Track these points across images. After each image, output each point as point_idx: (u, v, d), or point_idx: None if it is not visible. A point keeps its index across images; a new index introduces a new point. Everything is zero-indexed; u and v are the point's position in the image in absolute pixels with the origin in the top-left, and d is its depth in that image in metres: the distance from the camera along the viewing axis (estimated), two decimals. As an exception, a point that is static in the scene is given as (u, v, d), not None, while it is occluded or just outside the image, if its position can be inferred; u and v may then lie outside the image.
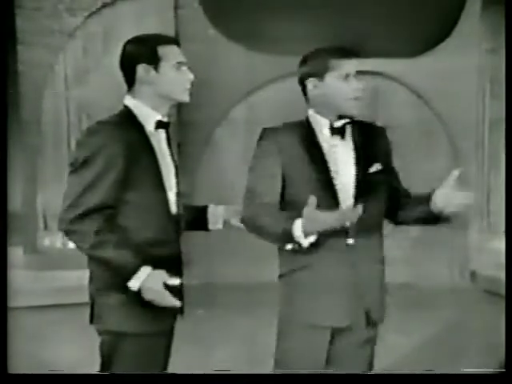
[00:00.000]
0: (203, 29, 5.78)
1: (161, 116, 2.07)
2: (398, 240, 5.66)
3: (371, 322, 2.12)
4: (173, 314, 2.09)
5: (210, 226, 2.29)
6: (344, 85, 2.08)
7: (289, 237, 1.93)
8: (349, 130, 2.14)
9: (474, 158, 6.00)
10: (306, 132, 2.11)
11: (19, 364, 2.42)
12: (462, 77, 5.82)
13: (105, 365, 2.04)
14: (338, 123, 2.11)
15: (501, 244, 4.59)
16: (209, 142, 5.94)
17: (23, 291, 4.77)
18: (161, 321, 2.02)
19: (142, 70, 2.02)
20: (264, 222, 2.02)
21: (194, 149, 5.81)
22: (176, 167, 2.12)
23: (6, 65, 2.62)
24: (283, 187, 2.07)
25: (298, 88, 2.17)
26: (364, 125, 2.18)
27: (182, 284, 2.09)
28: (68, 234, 1.93)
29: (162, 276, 1.92)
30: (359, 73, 2.12)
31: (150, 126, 2.04)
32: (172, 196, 2.07)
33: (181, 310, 2.13)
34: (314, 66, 2.10)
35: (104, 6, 5.58)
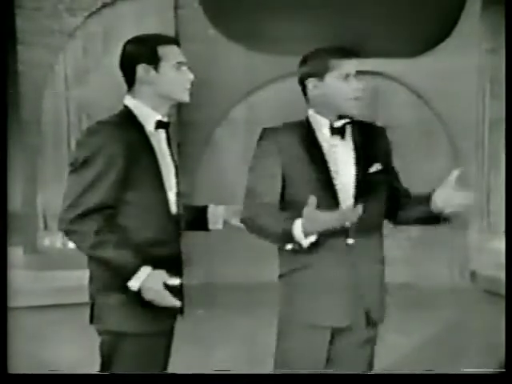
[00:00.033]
0: (203, 29, 5.78)
1: (161, 116, 2.07)
2: (397, 240, 5.67)
3: (371, 322, 2.12)
4: (173, 314, 2.09)
5: (210, 226, 2.29)
6: (344, 85, 2.08)
7: (289, 237, 1.93)
8: (349, 129, 2.14)
9: (474, 157, 6.00)
10: (306, 132, 2.11)
11: (19, 364, 2.42)
12: (462, 77, 5.82)
13: (105, 365, 2.04)
14: (338, 123, 2.11)
15: (501, 244, 4.59)
16: (209, 141, 5.94)
17: (23, 291, 4.77)
18: (161, 321, 2.02)
19: (141, 69, 2.02)
20: (264, 222, 2.02)
21: (194, 149, 5.81)
22: (176, 167, 2.12)
23: (6, 65, 2.62)
24: (283, 187, 2.07)
25: (298, 88, 2.17)
26: (364, 125, 2.18)
27: (181, 284, 2.09)
28: (68, 233, 1.93)
29: (161, 276, 1.92)
30: (359, 73, 2.12)
31: (149, 126, 2.04)
32: (172, 196, 2.07)
33: (181, 310, 2.13)
34: (314, 66, 2.10)
35: (104, 5, 5.58)
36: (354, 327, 2.08)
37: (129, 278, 1.90)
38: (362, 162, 2.11)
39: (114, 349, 1.99)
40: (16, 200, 5.48)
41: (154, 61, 2.02)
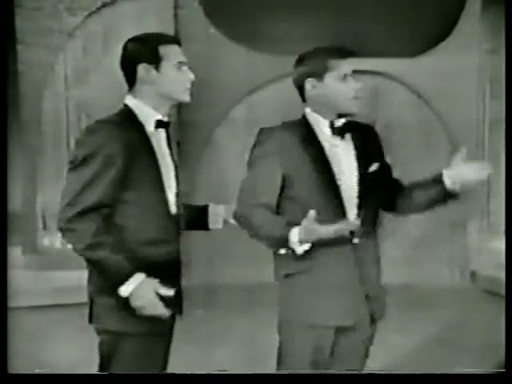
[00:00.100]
0: (203, 29, 5.78)
1: (161, 116, 2.06)
2: (398, 240, 5.68)
3: (374, 321, 2.13)
4: (172, 314, 2.09)
5: (211, 226, 2.29)
6: (343, 85, 2.08)
7: (284, 242, 1.94)
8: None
9: (474, 157, 5.99)
10: (306, 131, 2.10)
11: (19, 364, 2.43)
12: (462, 77, 5.83)
13: (104, 365, 2.03)
14: (339, 122, 2.11)
15: (501, 244, 4.59)
16: (209, 141, 5.94)
17: (23, 291, 4.78)
18: (160, 321, 2.01)
19: (142, 69, 2.02)
20: (257, 222, 2.02)
21: (194, 149, 5.81)
22: (176, 167, 2.12)
23: (6, 65, 2.62)
24: (283, 187, 2.07)
25: (298, 88, 2.17)
26: (358, 124, 2.18)
27: (180, 284, 2.09)
28: (65, 232, 1.92)
29: (154, 285, 1.91)
30: (359, 72, 2.12)
31: (150, 126, 2.04)
32: (171, 196, 2.06)
33: (180, 311, 2.13)
34: (312, 66, 2.10)
35: (104, 5, 5.58)
36: (358, 326, 2.09)
37: (121, 282, 1.89)
38: (363, 162, 2.12)
39: (113, 349, 1.99)
40: (16, 200, 5.48)
41: (155, 60, 2.01)
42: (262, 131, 2.11)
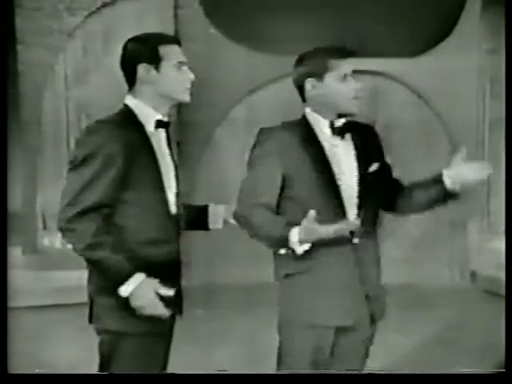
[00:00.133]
0: (203, 29, 5.78)
1: (161, 116, 2.06)
2: (398, 240, 5.68)
3: (374, 320, 2.13)
4: (172, 314, 2.09)
5: (211, 226, 2.29)
6: (343, 85, 2.08)
7: (284, 242, 1.95)
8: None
9: (474, 157, 5.99)
10: (306, 131, 2.10)
11: (19, 364, 2.43)
12: (462, 77, 5.83)
13: (104, 365, 2.03)
14: (339, 122, 2.11)
15: (501, 244, 4.59)
16: (209, 142, 5.94)
17: (23, 291, 4.78)
18: (160, 321, 2.01)
19: (142, 69, 2.02)
20: (258, 222, 2.02)
21: (194, 149, 5.81)
22: (176, 167, 2.12)
23: (6, 65, 2.62)
24: (283, 187, 2.07)
25: (298, 88, 2.17)
26: (358, 124, 2.18)
27: (180, 285, 2.09)
28: (65, 232, 1.91)
29: (154, 285, 1.91)
30: (359, 72, 2.12)
31: (150, 126, 2.04)
32: (171, 196, 2.06)
33: (180, 311, 2.13)
34: (312, 66, 2.10)
35: (104, 5, 5.58)
36: (358, 326, 2.09)
37: (121, 282, 1.89)
38: (363, 162, 2.12)
39: (113, 349, 1.99)
40: (16, 200, 5.48)
41: (155, 60, 2.01)
42: (261, 131, 2.11)
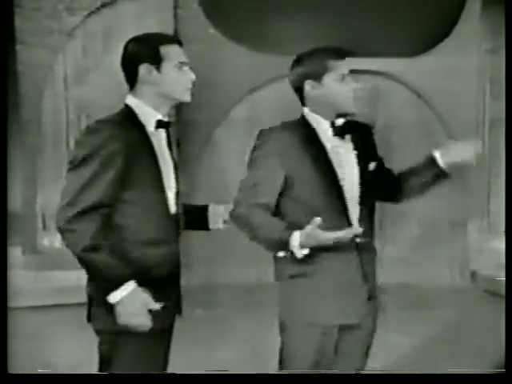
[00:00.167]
0: (203, 29, 5.78)
1: (161, 116, 2.06)
2: (398, 240, 5.68)
3: (374, 318, 2.15)
4: (171, 313, 2.09)
5: (211, 226, 2.28)
6: (342, 85, 2.09)
7: (283, 246, 1.95)
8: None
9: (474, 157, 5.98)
10: (307, 132, 2.10)
11: (19, 364, 2.42)
12: (461, 77, 5.83)
13: (104, 365, 2.03)
14: (339, 122, 2.11)
15: (501, 244, 4.59)
16: (209, 142, 5.94)
17: (23, 291, 4.77)
18: (159, 320, 2.01)
19: (144, 69, 2.02)
20: (257, 224, 2.02)
21: (194, 149, 5.81)
22: (176, 167, 2.12)
23: (6, 65, 2.62)
24: (284, 188, 2.06)
25: (299, 88, 2.17)
26: (357, 123, 2.19)
27: (179, 284, 2.09)
28: (64, 232, 1.90)
29: (143, 298, 1.90)
30: (359, 72, 2.13)
31: (150, 126, 2.04)
32: (171, 195, 2.06)
33: (179, 311, 2.13)
34: (310, 67, 2.10)
35: (103, 5, 5.57)
36: (362, 324, 2.11)
37: (112, 289, 1.89)
38: (363, 161, 2.13)
39: (113, 349, 1.99)
40: (16, 200, 5.47)
41: (157, 60, 2.01)
42: (261, 133, 2.10)
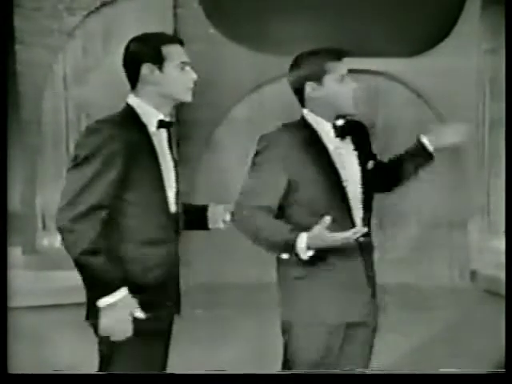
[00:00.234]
0: (203, 28, 5.78)
1: (163, 115, 2.06)
2: (398, 240, 5.68)
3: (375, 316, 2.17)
4: (171, 313, 2.09)
5: (211, 226, 2.28)
6: (342, 85, 2.09)
7: (289, 248, 1.95)
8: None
9: (474, 157, 6.00)
10: (308, 133, 2.11)
11: (19, 364, 2.42)
12: (461, 77, 5.82)
13: (104, 365, 2.03)
14: (339, 122, 2.11)
15: (501, 244, 4.59)
16: (209, 141, 5.93)
17: (23, 291, 4.76)
18: (159, 320, 2.01)
19: (146, 69, 2.01)
20: (260, 226, 2.02)
21: (194, 148, 5.81)
22: (176, 166, 2.12)
23: (6, 65, 2.61)
24: (288, 191, 2.06)
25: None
26: (357, 124, 2.20)
27: (178, 284, 2.09)
28: (64, 232, 1.90)
29: (132, 305, 1.91)
30: (359, 72, 2.13)
31: (152, 126, 2.04)
32: (171, 195, 2.06)
33: (178, 311, 2.13)
34: (310, 69, 2.10)
35: (103, 4, 5.57)
36: (368, 321, 2.13)
37: (105, 293, 1.89)
38: (362, 161, 2.13)
39: (113, 348, 1.98)
40: (15, 200, 5.47)
41: (159, 60, 2.01)
42: (262, 138, 2.10)
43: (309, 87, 2.09)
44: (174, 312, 2.11)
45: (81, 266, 1.91)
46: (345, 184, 2.07)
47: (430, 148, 2.17)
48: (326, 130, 2.11)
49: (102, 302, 1.89)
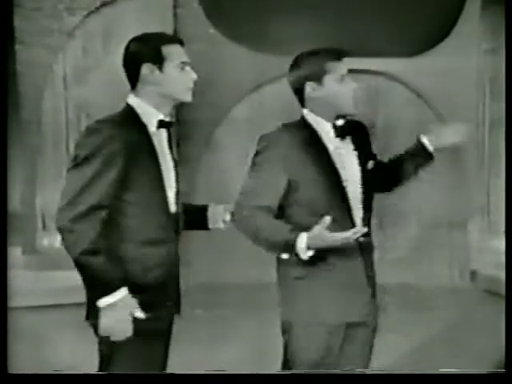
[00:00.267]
0: (203, 28, 5.78)
1: (163, 115, 2.06)
2: (398, 240, 5.68)
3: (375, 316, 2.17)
4: (171, 313, 2.09)
5: (210, 226, 2.28)
6: (342, 85, 2.09)
7: (289, 248, 1.95)
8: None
9: (474, 157, 6.00)
10: (308, 134, 2.11)
11: (19, 364, 2.42)
12: (461, 77, 5.82)
13: (104, 364, 2.03)
14: (339, 122, 2.11)
15: (501, 244, 4.59)
16: (209, 141, 5.93)
17: (23, 291, 4.76)
18: (159, 320, 2.01)
19: (146, 69, 2.01)
20: (260, 226, 2.03)
21: (194, 148, 5.81)
22: (176, 166, 2.12)
23: (6, 65, 2.62)
24: (288, 192, 2.06)
25: (299, 88, 2.17)
26: (357, 123, 2.20)
27: (178, 283, 2.09)
28: (64, 232, 1.90)
29: (132, 305, 1.91)
30: (359, 72, 2.13)
31: (152, 126, 2.04)
32: (171, 195, 2.06)
33: (178, 310, 2.13)
34: (310, 69, 2.10)
35: (103, 4, 5.57)
36: (368, 321, 2.13)
37: (105, 293, 1.89)
38: (362, 161, 2.13)
39: (113, 348, 1.99)
40: (15, 200, 5.47)
41: (159, 60, 2.01)
42: (261, 138, 2.10)
43: (309, 87, 2.10)
44: (174, 312, 2.11)
45: (81, 266, 1.91)
46: (345, 184, 2.07)
47: (430, 148, 2.18)
48: (326, 130, 2.11)
49: (102, 302, 1.89)
